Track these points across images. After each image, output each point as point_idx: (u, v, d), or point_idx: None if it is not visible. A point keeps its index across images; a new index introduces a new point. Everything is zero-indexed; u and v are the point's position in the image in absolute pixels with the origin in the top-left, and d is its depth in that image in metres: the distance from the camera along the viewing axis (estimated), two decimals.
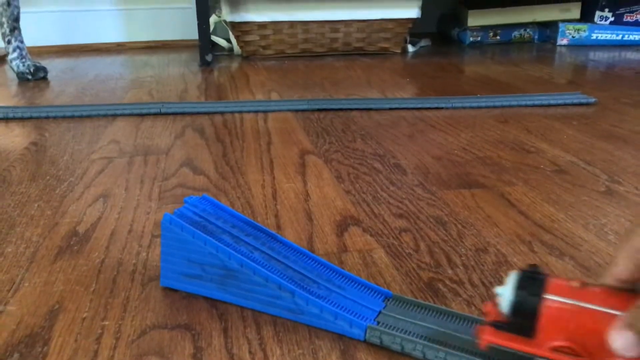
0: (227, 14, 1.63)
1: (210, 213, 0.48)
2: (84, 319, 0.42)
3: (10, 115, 0.99)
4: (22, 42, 1.38)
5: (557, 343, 0.32)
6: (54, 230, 0.56)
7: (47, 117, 1.00)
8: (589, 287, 0.32)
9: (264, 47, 1.69)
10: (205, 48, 1.50)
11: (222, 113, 1.03)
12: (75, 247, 0.53)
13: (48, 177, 0.71)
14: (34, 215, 0.60)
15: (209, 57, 1.52)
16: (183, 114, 1.02)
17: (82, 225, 0.57)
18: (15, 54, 1.38)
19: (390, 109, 1.05)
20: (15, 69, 1.38)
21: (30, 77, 1.38)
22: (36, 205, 0.63)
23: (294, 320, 0.41)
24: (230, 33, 1.74)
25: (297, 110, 1.04)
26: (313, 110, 1.04)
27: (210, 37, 1.52)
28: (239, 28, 1.64)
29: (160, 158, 0.78)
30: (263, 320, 0.41)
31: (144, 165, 0.75)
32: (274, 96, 1.17)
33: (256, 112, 1.03)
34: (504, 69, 1.47)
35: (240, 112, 1.03)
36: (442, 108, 1.05)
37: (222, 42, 1.79)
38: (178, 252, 0.45)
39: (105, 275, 0.48)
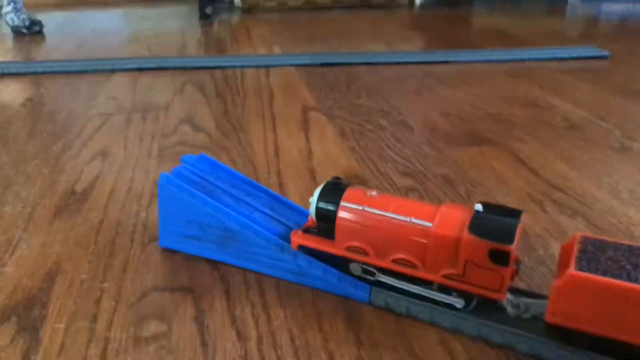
0: None
1: (209, 172, 0.46)
2: (82, 281, 0.41)
3: (6, 70, 0.97)
4: None
5: (351, 243, 0.37)
6: (52, 189, 0.55)
7: (43, 73, 0.97)
8: (381, 196, 0.36)
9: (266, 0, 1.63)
10: (205, 1, 1.45)
11: (222, 68, 0.99)
12: (74, 207, 0.51)
13: (45, 134, 0.69)
14: (31, 174, 0.58)
15: (209, 10, 1.47)
16: (182, 69, 0.99)
17: (80, 184, 0.56)
18: (9, 7, 1.33)
19: (397, 63, 1.01)
20: (10, 22, 1.34)
21: (25, 31, 1.34)
22: (33, 163, 0.61)
23: (296, 283, 0.40)
24: None
25: (300, 65, 1.01)
26: (317, 65, 1.01)
27: None
28: None
29: (160, 115, 0.76)
30: (266, 283, 0.40)
31: (143, 122, 0.73)
32: (277, 50, 1.14)
33: (258, 67, 1.00)
34: (514, 21, 1.42)
35: (241, 67, 1.00)
36: (450, 62, 1.01)
37: None
38: (176, 212, 0.43)
39: (104, 235, 0.47)
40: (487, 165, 0.59)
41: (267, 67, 1.00)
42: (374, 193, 0.37)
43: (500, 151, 0.62)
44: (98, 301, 0.39)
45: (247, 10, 1.65)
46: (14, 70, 0.97)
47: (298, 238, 0.39)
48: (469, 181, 0.55)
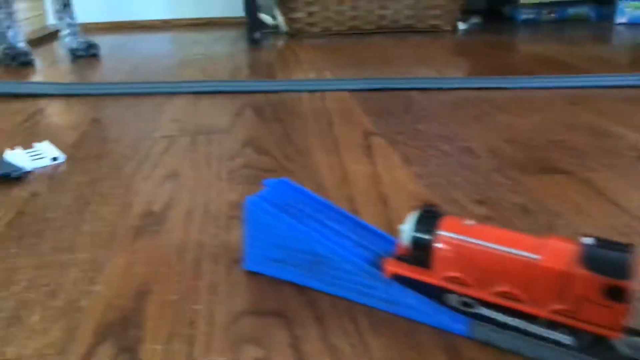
0: None
1: (292, 196, 0.46)
2: (173, 302, 0.41)
3: (69, 92, 1.00)
4: (74, 19, 1.39)
5: (449, 273, 0.36)
6: (129, 209, 0.56)
7: (105, 94, 1.00)
8: (479, 225, 0.36)
9: (311, 25, 1.66)
10: (253, 26, 1.48)
11: (277, 92, 1.01)
12: (153, 227, 0.52)
13: (114, 155, 0.71)
14: (107, 194, 0.60)
15: (257, 35, 1.50)
16: (239, 92, 1.01)
17: (156, 205, 0.57)
18: (67, 31, 1.38)
19: (451, 88, 1.01)
20: (68, 45, 1.39)
21: (82, 53, 1.39)
22: (107, 183, 0.62)
23: (387, 311, 0.40)
24: (276, 10, 1.71)
25: (353, 90, 1.02)
26: (370, 90, 1.01)
27: (258, 15, 1.50)
28: (286, 5, 1.61)
29: (222, 137, 0.77)
30: (356, 311, 0.40)
31: (208, 144, 0.74)
32: (327, 75, 1.15)
33: (312, 91, 1.01)
34: (562, 48, 1.41)
35: (296, 90, 1.01)
36: (505, 88, 1.01)
37: (267, 19, 1.77)
38: (263, 236, 0.43)
39: (187, 256, 0.47)
40: (563, 195, 0.58)
41: (322, 91, 1.01)
42: (472, 222, 0.36)
43: (574, 181, 0.61)
44: (192, 323, 0.39)
45: (292, 35, 1.68)
46: (77, 92, 1.00)
47: (392, 266, 0.38)
48: (548, 212, 0.54)
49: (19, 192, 0.60)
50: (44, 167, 0.67)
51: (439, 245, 0.36)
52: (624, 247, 0.32)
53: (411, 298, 0.38)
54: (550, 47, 1.42)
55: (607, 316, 0.32)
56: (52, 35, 1.75)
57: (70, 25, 1.38)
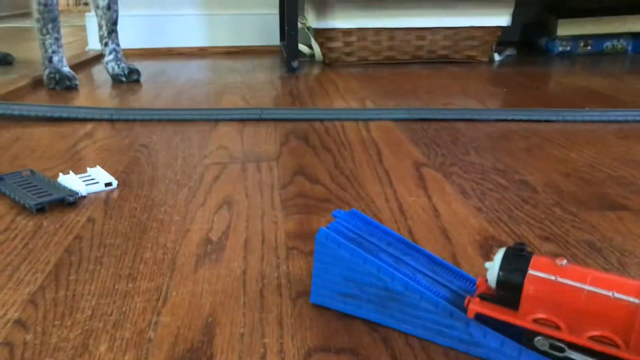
0: (312, 21, 1.62)
1: (363, 229, 0.45)
2: (242, 334, 0.40)
3: (115, 117, 1.01)
4: (118, 44, 1.42)
5: (539, 315, 0.34)
6: (187, 237, 0.55)
7: (151, 120, 1.01)
8: (572, 265, 0.34)
9: (347, 54, 1.67)
10: (292, 54, 1.50)
11: (321, 120, 1.01)
12: (213, 256, 0.51)
13: (167, 181, 0.71)
14: (164, 220, 0.59)
15: (295, 64, 1.51)
16: (282, 120, 1.01)
17: (213, 233, 0.56)
18: (111, 57, 1.41)
19: (497, 120, 1.00)
20: (111, 70, 1.42)
21: (124, 79, 1.41)
22: (163, 209, 0.62)
23: (466, 353, 0.38)
24: (313, 39, 1.73)
25: (397, 120, 1.01)
26: (414, 120, 1.01)
27: (297, 43, 1.51)
28: (324, 35, 1.63)
29: (272, 165, 0.77)
30: (432, 351, 0.38)
31: (258, 173, 0.74)
32: (369, 104, 1.15)
33: (356, 120, 1.01)
34: (604, 80, 1.39)
35: (339, 119, 1.01)
36: (552, 121, 0.99)
37: (304, 48, 1.79)
38: (333, 269, 0.42)
39: (251, 287, 0.46)
40: (630, 232, 0.56)
41: (366, 120, 1.01)
42: (564, 262, 0.35)
43: (639, 217, 0.59)
44: (263, 358, 0.38)
45: (329, 64, 1.69)
46: (123, 117, 1.01)
47: (475, 306, 0.37)
48: (617, 250, 0.52)
49: (75, 218, 0.61)
50: (98, 192, 0.68)
51: (530, 285, 0.34)
52: None
53: (495, 340, 0.37)
54: (590, 80, 1.40)
55: None
56: (92, 60, 1.79)
57: (114, 50, 1.41)
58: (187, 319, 0.42)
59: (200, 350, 0.39)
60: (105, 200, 0.65)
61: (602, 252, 0.52)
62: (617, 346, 0.33)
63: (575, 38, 1.85)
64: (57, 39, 1.31)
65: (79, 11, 4.54)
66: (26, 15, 3.73)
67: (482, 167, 0.76)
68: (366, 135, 0.92)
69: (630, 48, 1.88)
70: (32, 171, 0.72)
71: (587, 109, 1.07)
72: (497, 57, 1.74)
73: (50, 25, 1.29)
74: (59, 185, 0.67)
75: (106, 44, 1.40)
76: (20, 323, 0.42)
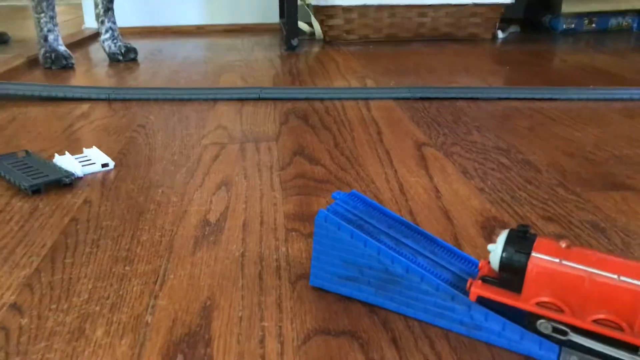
0: None
1: (363, 211, 0.44)
2: (240, 317, 0.40)
3: (112, 96, 1.00)
4: (114, 23, 1.40)
5: (542, 299, 0.34)
6: (185, 219, 0.55)
7: (148, 99, 0.99)
8: (575, 248, 0.34)
9: (348, 32, 1.64)
10: (292, 32, 1.47)
11: (321, 99, 0.99)
12: (211, 238, 0.51)
13: (164, 162, 0.70)
14: (161, 202, 0.58)
15: (295, 42, 1.49)
16: (282, 99, 0.99)
17: (211, 215, 0.55)
18: (107, 35, 1.39)
19: (500, 98, 0.98)
20: (107, 49, 1.40)
21: (121, 57, 1.39)
22: (160, 191, 0.61)
23: (467, 336, 0.38)
24: (313, 17, 1.70)
25: (399, 99, 1.00)
26: (416, 99, 0.99)
27: (297, 21, 1.49)
28: (324, 12, 1.60)
29: (271, 145, 0.76)
30: (432, 333, 0.38)
31: (257, 153, 0.73)
32: (370, 83, 1.13)
33: (356, 99, 0.99)
34: (607, 58, 1.37)
35: (340, 99, 1.00)
36: (555, 99, 0.98)
37: (304, 26, 1.76)
38: (332, 251, 0.42)
39: (249, 270, 0.46)
40: (634, 213, 0.55)
41: (366, 99, 0.99)
42: (568, 244, 0.34)
43: None
44: (262, 341, 0.37)
45: (329, 42, 1.66)
46: (120, 96, 0.99)
47: (478, 289, 0.36)
48: (621, 230, 0.51)
49: (71, 199, 0.60)
50: (94, 173, 0.67)
51: (533, 268, 0.34)
52: None
53: (497, 324, 0.36)
54: (594, 58, 1.38)
55: None
56: (89, 39, 1.77)
57: (110, 29, 1.39)
58: (184, 302, 0.41)
59: (198, 334, 0.38)
60: (101, 181, 0.64)
61: (606, 233, 0.51)
62: (621, 329, 0.32)
63: (579, 15, 1.82)
64: (52, 17, 1.29)
65: None
66: None
67: (484, 147, 0.74)
68: (367, 114, 0.90)
69: (635, 25, 1.86)
70: (27, 152, 0.71)
71: (591, 87, 1.05)
72: (500, 34, 1.71)
73: (44, 4, 1.26)
74: (55, 166, 0.66)
75: (102, 22, 1.38)
76: (15, 307, 0.41)
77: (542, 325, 0.35)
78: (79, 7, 2.83)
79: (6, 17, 2.51)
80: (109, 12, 1.37)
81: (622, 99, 0.97)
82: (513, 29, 1.79)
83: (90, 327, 0.39)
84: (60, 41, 1.33)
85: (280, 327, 0.39)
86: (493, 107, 0.94)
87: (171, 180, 0.64)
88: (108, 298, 0.42)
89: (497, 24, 1.70)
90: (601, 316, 0.32)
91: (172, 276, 0.45)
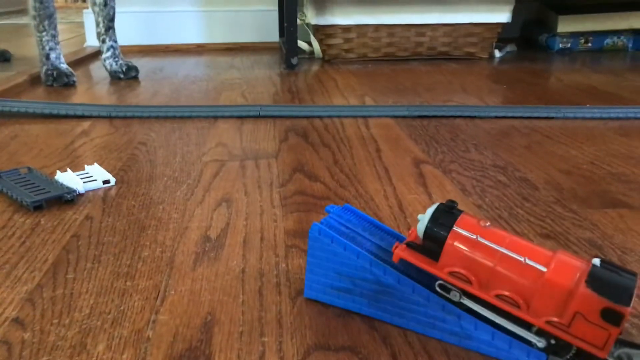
0: (312, 17, 1.61)
1: (356, 224, 0.45)
2: (241, 333, 0.40)
3: (114, 113, 1.01)
4: (115, 41, 1.41)
5: (455, 269, 0.37)
6: (186, 235, 0.55)
7: (149, 117, 1.00)
8: (494, 228, 0.37)
9: (347, 51, 1.66)
10: (292, 51, 1.49)
11: (320, 117, 1.00)
12: (212, 254, 0.51)
13: (165, 179, 0.70)
14: (162, 218, 0.59)
15: (294, 60, 1.51)
16: (282, 117, 1.01)
17: (212, 231, 0.56)
18: (109, 53, 1.41)
19: (497, 117, 1.00)
20: (109, 67, 1.41)
21: (122, 75, 1.41)
22: (161, 207, 0.62)
23: (459, 346, 0.38)
24: (312, 36, 1.72)
25: (397, 117, 1.01)
26: (414, 117, 1.00)
27: (297, 40, 1.51)
28: (323, 31, 1.62)
29: (271, 162, 0.76)
30: (431, 347, 0.38)
31: (257, 170, 0.74)
32: (368, 101, 1.14)
33: (355, 117, 1.01)
34: (605, 78, 1.39)
35: (339, 116, 1.01)
36: (552, 118, 0.99)
37: (303, 45, 1.78)
38: (326, 263, 0.42)
39: (249, 285, 0.46)
40: (631, 230, 0.55)
41: (365, 117, 1.00)
42: (488, 224, 0.37)
43: (639, 215, 0.59)
44: (262, 357, 0.37)
45: (328, 61, 1.68)
46: (121, 114, 1.00)
47: (401, 251, 0.39)
48: (618, 247, 0.52)
49: (73, 215, 0.60)
50: (96, 189, 0.67)
51: (452, 240, 0.37)
52: (630, 274, 0.33)
53: (485, 333, 0.37)
54: (590, 77, 1.40)
55: (599, 336, 0.32)
56: (90, 57, 1.79)
57: (111, 47, 1.40)
58: (185, 318, 0.42)
59: (198, 349, 0.38)
60: (103, 198, 0.65)
61: (603, 250, 0.51)
62: (518, 306, 0.35)
63: (575, 35, 1.84)
64: (54, 36, 1.31)
65: (77, 8, 4.53)
66: (23, 12, 3.73)
67: (482, 164, 0.75)
68: (365, 132, 0.91)
69: (630, 45, 1.88)
70: (29, 168, 0.71)
71: (587, 105, 1.06)
72: (497, 53, 1.73)
73: (46, 22, 1.28)
74: (57, 182, 0.67)
75: (104, 41, 1.39)
76: (18, 322, 0.41)
77: (440, 286, 0.38)
78: (80, 25, 2.87)
79: (8, 35, 2.53)
80: (110, 31, 1.39)
81: (618, 118, 0.98)
82: (510, 48, 1.81)
83: (91, 341, 0.39)
84: (62, 59, 1.34)
85: (280, 342, 0.39)
86: (490, 125, 0.95)
87: (172, 196, 0.65)
88: (109, 313, 0.43)
89: (494, 43, 1.72)
90: (504, 292, 0.35)
91: (173, 292, 0.45)
